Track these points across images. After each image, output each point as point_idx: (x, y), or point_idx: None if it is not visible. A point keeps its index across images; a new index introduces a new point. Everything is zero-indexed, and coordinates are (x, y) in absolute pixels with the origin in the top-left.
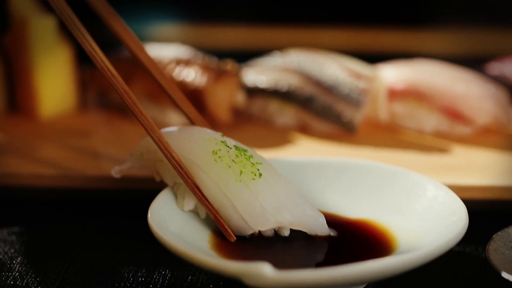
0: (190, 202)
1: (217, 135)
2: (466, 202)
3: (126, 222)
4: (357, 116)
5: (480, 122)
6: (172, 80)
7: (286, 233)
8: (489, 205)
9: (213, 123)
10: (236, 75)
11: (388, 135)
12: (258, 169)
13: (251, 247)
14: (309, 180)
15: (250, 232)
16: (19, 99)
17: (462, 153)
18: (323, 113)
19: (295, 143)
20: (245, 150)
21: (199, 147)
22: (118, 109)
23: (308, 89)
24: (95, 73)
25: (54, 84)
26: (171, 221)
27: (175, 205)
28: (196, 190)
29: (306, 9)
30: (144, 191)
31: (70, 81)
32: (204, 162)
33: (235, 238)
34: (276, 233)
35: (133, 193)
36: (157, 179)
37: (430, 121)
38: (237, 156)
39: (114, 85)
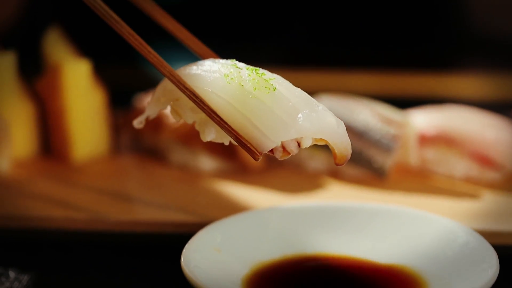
0: (211, 131)
1: (227, 61)
2: (497, 248)
3: (159, 266)
4: (388, 162)
5: (510, 167)
6: (175, 21)
7: (308, 143)
8: None
9: (244, 168)
10: None
11: (419, 180)
12: (272, 84)
13: None
14: (340, 225)
15: (273, 145)
16: (53, 143)
17: (492, 199)
18: (354, 158)
19: (326, 188)
20: (256, 69)
21: (210, 73)
22: (151, 153)
23: None
24: (128, 118)
25: (87, 128)
26: (205, 265)
27: (208, 249)
28: (214, 115)
29: (337, 53)
30: (177, 235)
31: (103, 125)
32: (217, 86)
33: (260, 156)
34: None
35: (166, 237)
36: (177, 119)
37: (460, 166)
38: (249, 75)
39: (119, 31)
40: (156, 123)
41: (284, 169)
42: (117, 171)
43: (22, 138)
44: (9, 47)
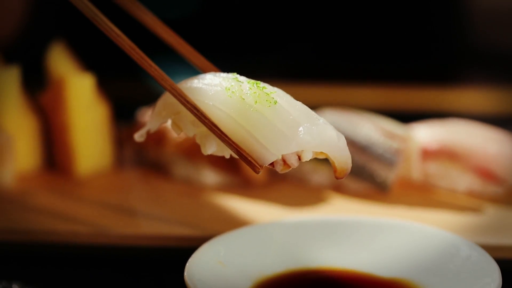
0: (212, 144)
1: (228, 75)
2: (500, 262)
3: (163, 280)
4: (391, 176)
5: None
6: (177, 35)
7: (309, 156)
8: None
9: (247, 182)
10: None
11: (421, 194)
12: (273, 97)
13: None
14: (342, 239)
15: (274, 159)
16: (56, 157)
17: (495, 213)
18: (357, 172)
19: (328, 202)
20: (257, 82)
21: (211, 87)
22: (154, 167)
23: None
24: (131, 131)
25: (91, 142)
26: (208, 278)
27: (212, 262)
28: (215, 129)
29: (339, 67)
30: (180, 249)
31: (107, 139)
32: (218, 100)
33: (261, 169)
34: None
35: (169, 251)
36: (178, 133)
37: (463, 180)
38: (250, 89)
39: (120, 44)
40: (160, 137)
41: (287, 183)
42: (120, 185)
43: (26, 152)
44: (13, 61)
